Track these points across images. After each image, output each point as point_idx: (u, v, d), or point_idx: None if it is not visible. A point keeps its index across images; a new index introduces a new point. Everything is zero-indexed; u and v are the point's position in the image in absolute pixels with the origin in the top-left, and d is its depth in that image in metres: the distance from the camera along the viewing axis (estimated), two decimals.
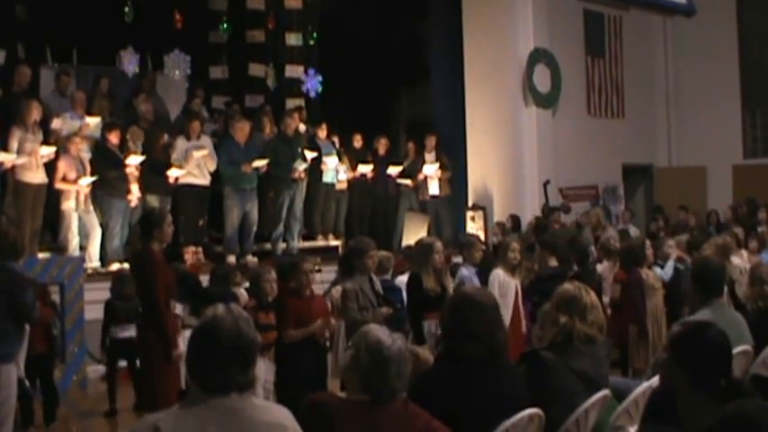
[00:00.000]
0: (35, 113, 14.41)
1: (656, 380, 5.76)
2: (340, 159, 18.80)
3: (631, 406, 6.00)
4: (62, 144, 15.14)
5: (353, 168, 19.19)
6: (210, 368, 3.99)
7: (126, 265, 14.19)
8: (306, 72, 21.39)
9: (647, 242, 13.07)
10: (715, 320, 5.26)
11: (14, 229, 7.94)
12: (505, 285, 10.99)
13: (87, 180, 14.86)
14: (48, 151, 14.36)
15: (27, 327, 8.39)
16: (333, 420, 4.56)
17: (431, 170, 19.31)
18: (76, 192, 14.87)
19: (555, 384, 5.71)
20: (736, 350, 5.75)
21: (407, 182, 19.67)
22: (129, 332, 11.44)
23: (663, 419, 4.60)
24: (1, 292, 7.41)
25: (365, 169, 19.15)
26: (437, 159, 19.42)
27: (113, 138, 15.43)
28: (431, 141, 19.64)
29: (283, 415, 4.15)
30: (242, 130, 16.91)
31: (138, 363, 11.39)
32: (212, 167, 16.53)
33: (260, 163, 16.60)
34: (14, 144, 14.14)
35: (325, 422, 4.52)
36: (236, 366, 3.98)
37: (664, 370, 4.71)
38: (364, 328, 4.84)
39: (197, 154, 16.18)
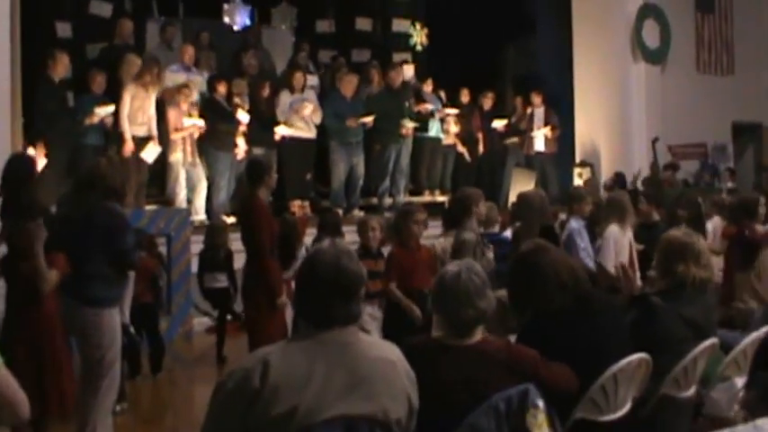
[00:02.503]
0: (155, 73, 14.58)
1: (765, 330, 5.79)
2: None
3: (740, 356, 5.92)
4: (170, 96, 15.18)
5: (460, 123, 19.04)
6: (312, 301, 4.02)
7: (231, 219, 14.29)
8: (413, 25, 21.25)
9: (762, 199, 12.71)
10: None
11: (114, 170, 7.84)
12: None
13: (193, 121, 14.92)
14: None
15: (131, 274, 8.36)
16: (427, 360, 4.58)
17: (541, 133, 19.12)
18: (183, 144, 14.91)
19: (663, 330, 5.63)
20: None
21: (514, 140, 19.56)
22: (221, 282, 11.69)
23: None
24: (99, 233, 7.36)
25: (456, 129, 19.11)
26: (546, 116, 19.20)
27: (221, 90, 15.43)
28: (537, 98, 19.40)
29: (391, 350, 4.18)
30: (350, 83, 16.87)
31: (230, 312, 11.90)
32: (318, 120, 16.49)
33: (367, 119, 16.56)
34: (127, 98, 14.21)
35: (422, 362, 4.45)
36: (337, 299, 3.98)
37: None
38: None
39: (306, 111, 16.16)
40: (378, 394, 3.96)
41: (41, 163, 12.53)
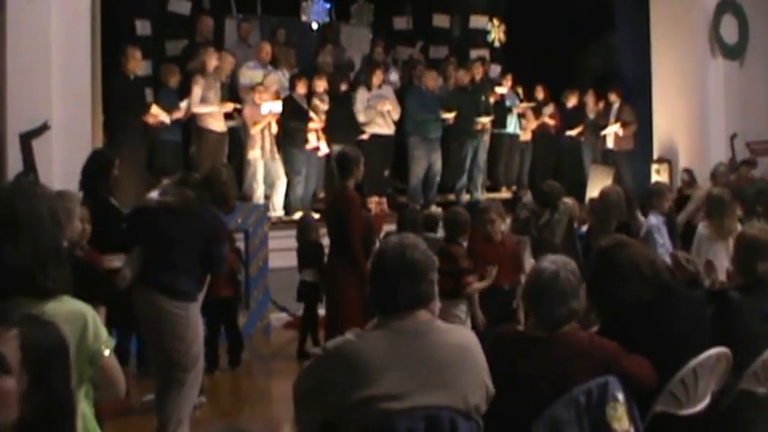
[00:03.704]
0: (215, 62, 14.68)
1: None
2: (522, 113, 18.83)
3: None
4: (246, 94, 15.29)
5: (537, 119, 19.06)
6: (379, 286, 4.17)
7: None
8: (491, 21, 21.20)
9: None
10: None
11: (232, 180, 8.09)
12: None
13: (269, 106, 14.98)
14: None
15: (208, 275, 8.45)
16: (511, 351, 4.66)
17: (611, 130, 19.05)
18: (261, 141, 14.98)
19: (742, 325, 5.59)
20: None
21: (590, 136, 19.51)
22: (312, 276, 11.69)
23: None
24: (202, 235, 7.50)
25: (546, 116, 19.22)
26: (618, 113, 19.16)
27: (301, 88, 15.52)
28: (614, 96, 19.39)
29: (468, 337, 4.24)
30: (432, 78, 17.00)
31: (317, 307, 11.75)
32: (396, 116, 16.51)
33: (448, 114, 16.65)
34: (198, 92, 14.34)
35: (506, 354, 4.57)
36: (402, 285, 4.07)
37: None
38: None
39: (384, 108, 16.24)
40: (456, 382, 4.00)
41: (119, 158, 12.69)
